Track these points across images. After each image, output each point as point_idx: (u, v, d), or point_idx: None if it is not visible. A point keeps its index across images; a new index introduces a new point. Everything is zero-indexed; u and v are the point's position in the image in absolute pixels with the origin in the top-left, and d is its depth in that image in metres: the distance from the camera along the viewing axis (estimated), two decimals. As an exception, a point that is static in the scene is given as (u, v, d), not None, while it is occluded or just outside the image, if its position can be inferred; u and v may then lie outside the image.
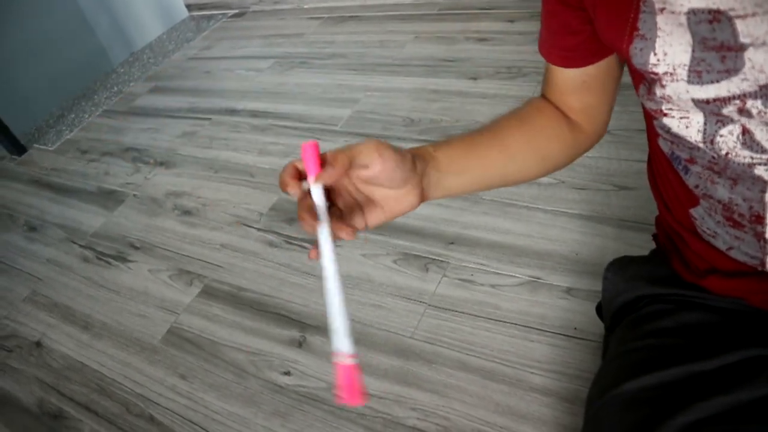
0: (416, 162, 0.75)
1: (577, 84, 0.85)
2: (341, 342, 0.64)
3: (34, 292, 2.18)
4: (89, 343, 1.92)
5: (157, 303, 2.00)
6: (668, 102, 0.70)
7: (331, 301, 0.66)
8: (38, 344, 1.97)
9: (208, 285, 2.01)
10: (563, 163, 0.92)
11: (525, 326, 1.60)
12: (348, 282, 1.86)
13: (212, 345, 1.80)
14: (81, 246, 2.35)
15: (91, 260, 2.26)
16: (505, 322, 1.63)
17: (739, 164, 0.69)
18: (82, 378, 1.82)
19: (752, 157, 0.67)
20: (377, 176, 0.71)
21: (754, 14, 0.56)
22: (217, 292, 1.97)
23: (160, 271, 2.12)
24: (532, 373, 1.50)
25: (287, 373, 1.66)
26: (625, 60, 0.75)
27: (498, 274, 1.76)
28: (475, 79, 2.66)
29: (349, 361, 0.63)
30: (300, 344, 1.72)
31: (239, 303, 1.91)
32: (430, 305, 1.72)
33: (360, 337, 1.69)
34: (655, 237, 1.07)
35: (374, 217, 0.77)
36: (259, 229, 2.18)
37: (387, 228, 1.99)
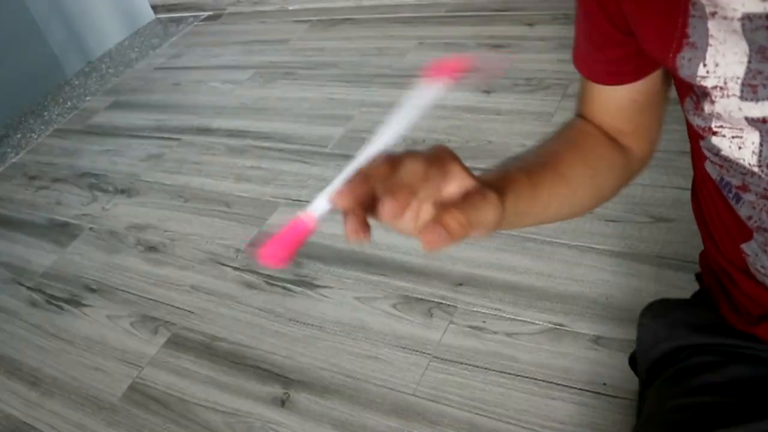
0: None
1: (626, 104, 0.85)
2: (319, 203, 0.60)
3: (-28, 343, 2.20)
4: (38, 401, 1.94)
5: (117, 355, 2.02)
6: (718, 119, 0.70)
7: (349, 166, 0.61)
8: (-23, 404, 1.99)
9: (176, 333, 2.03)
10: (614, 195, 0.93)
11: (546, 381, 1.62)
12: (339, 330, 1.89)
13: (181, 404, 1.82)
14: (29, 288, 2.38)
15: (41, 305, 2.29)
16: (522, 376, 1.65)
17: None
18: (29, 443, 1.83)
19: None
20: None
21: None
22: (186, 342, 1.99)
23: (121, 317, 2.14)
24: (553, 436, 1.52)
25: (268, 437, 1.68)
26: (670, 71, 0.75)
27: (514, 320, 1.78)
28: (488, 92, 2.69)
29: (308, 222, 0.59)
30: (283, 403, 1.74)
31: (213, 355, 1.93)
32: (434, 357, 1.75)
33: (354, 394, 1.71)
34: (698, 276, 1.07)
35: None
36: (235, 269, 2.20)
37: (385, 267, 2.02)
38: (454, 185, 0.61)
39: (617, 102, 0.85)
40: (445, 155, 0.62)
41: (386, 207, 0.56)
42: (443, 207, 0.59)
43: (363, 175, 0.58)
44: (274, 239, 0.58)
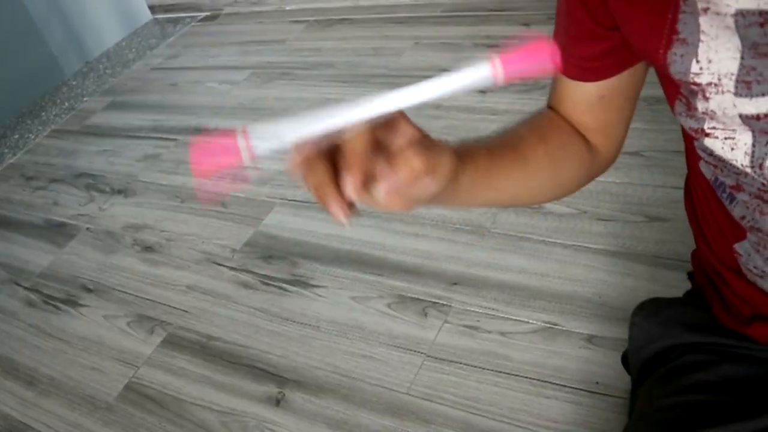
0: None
1: (594, 100, 0.85)
2: (268, 140, 0.55)
3: (-31, 343, 2.21)
4: (34, 401, 1.95)
5: (114, 354, 2.03)
6: (711, 119, 0.70)
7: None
8: (-26, 403, 1.99)
9: (172, 333, 2.04)
10: (575, 189, 0.93)
11: (539, 380, 1.63)
12: (334, 329, 1.90)
13: (177, 403, 1.83)
14: (26, 288, 2.39)
15: (38, 305, 2.30)
16: (516, 375, 1.66)
17: None
18: (25, 443, 1.84)
19: None
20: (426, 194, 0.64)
21: None
22: (182, 342, 2.00)
23: (117, 317, 2.15)
24: (547, 434, 1.52)
25: (263, 436, 1.69)
26: (659, 69, 0.75)
27: (508, 319, 1.79)
28: (483, 92, 2.70)
29: (243, 148, 0.55)
30: (278, 402, 1.75)
31: (208, 354, 1.94)
32: (429, 356, 1.75)
33: (348, 393, 1.72)
34: (690, 275, 1.07)
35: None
36: (231, 268, 2.21)
37: (380, 267, 2.03)
38: (402, 138, 0.59)
39: (585, 98, 0.85)
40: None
41: (348, 183, 0.55)
42: (394, 154, 0.58)
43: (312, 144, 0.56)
44: (209, 147, 0.54)
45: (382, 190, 0.58)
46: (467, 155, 0.73)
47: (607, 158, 0.92)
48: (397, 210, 0.65)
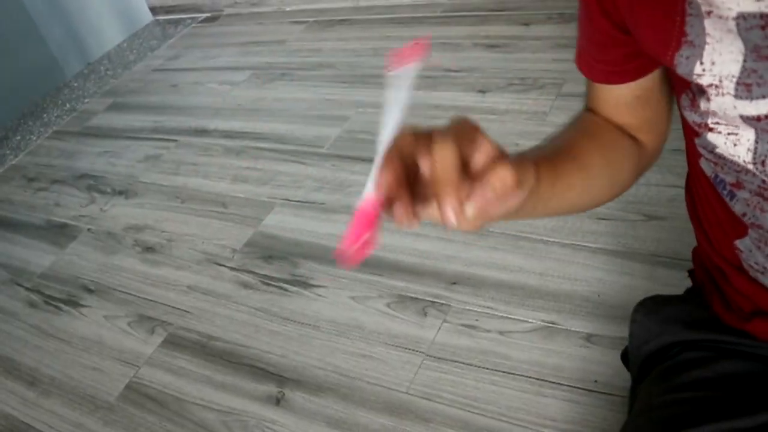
0: None
1: (630, 100, 0.85)
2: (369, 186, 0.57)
3: (-29, 343, 2.22)
4: (36, 401, 1.96)
5: (114, 354, 2.03)
6: (714, 116, 0.71)
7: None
8: (-24, 404, 2.00)
9: (173, 333, 2.04)
10: (628, 187, 0.93)
11: (538, 379, 1.64)
12: (334, 329, 1.90)
13: (177, 402, 1.83)
14: (27, 289, 2.39)
15: (39, 305, 2.30)
16: (514, 374, 1.66)
17: None
18: (27, 442, 1.85)
19: None
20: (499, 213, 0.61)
21: None
22: (183, 342, 2.01)
23: (118, 317, 2.16)
24: (545, 433, 1.53)
25: (263, 435, 1.69)
26: (668, 68, 0.75)
27: (507, 318, 1.79)
28: (483, 92, 2.71)
29: (370, 205, 0.57)
30: (278, 401, 1.75)
31: (209, 354, 1.94)
32: (428, 355, 1.76)
33: (348, 392, 1.73)
34: (691, 273, 1.07)
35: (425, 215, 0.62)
36: (232, 269, 2.22)
37: (379, 267, 2.03)
38: (484, 153, 0.58)
39: (621, 99, 0.86)
40: (470, 127, 0.59)
41: (447, 209, 0.54)
42: (480, 171, 0.57)
43: (394, 153, 0.56)
44: (349, 237, 0.56)
45: (473, 207, 0.56)
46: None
47: (654, 150, 0.92)
48: (467, 230, 0.62)
